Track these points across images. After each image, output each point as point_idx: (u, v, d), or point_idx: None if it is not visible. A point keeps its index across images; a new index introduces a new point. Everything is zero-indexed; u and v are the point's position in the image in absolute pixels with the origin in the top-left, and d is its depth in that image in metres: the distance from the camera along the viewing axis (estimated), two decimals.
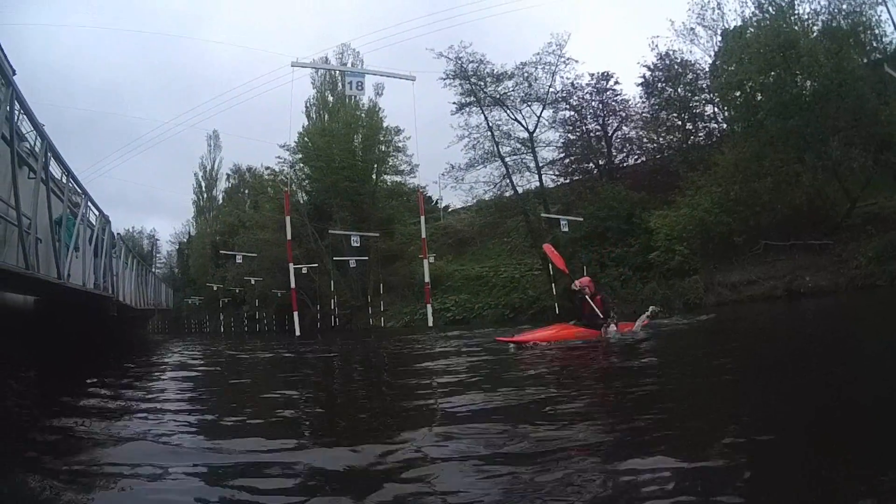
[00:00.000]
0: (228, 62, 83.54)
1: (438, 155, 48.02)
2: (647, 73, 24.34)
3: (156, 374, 7.13)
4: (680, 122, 24.06)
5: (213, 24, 79.32)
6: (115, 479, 2.44)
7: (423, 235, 19.13)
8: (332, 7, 78.20)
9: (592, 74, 25.33)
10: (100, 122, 79.38)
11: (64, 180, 7.98)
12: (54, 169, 7.36)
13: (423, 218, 19.24)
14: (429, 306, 19.08)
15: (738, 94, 19.62)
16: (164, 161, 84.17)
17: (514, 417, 3.44)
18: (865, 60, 17.84)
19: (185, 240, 56.35)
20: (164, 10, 78.45)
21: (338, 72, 33.10)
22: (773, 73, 17.74)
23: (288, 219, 17.12)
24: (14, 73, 4.69)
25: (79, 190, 8.69)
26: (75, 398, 4.41)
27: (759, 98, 18.58)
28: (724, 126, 22.94)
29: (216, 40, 71.03)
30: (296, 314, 17.19)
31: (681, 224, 18.93)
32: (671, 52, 23.66)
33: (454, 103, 25.66)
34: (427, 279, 18.68)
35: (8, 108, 4.84)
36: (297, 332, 17.16)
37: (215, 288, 40.02)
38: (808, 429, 2.61)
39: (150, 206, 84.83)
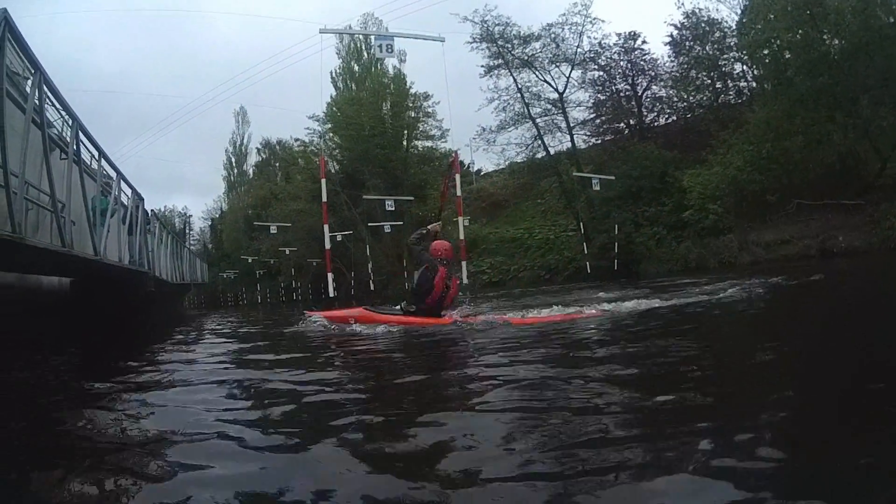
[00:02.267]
0: (240, 37, 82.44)
1: (468, 118, 48.05)
2: (675, 32, 24.43)
3: (191, 348, 6.84)
4: (709, 81, 24.19)
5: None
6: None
7: (458, 194, 18.96)
8: None
9: (619, 34, 25.44)
10: (112, 105, 79.43)
11: (94, 165, 7.94)
12: (84, 151, 7.41)
13: (458, 176, 19.01)
14: (464, 263, 18.66)
15: (765, 52, 19.66)
16: (184, 139, 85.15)
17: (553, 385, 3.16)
18: (893, 19, 17.66)
19: (217, 215, 57.03)
20: None
21: (364, 40, 33.21)
22: (800, 30, 17.76)
23: (323, 181, 17.17)
24: None
25: (111, 172, 8.82)
26: (111, 377, 4.15)
27: (787, 56, 18.62)
28: (754, 84, 23.04)
29: (222, 11, 70.30)
30: (330, 275, 17.18)
31: (714, 183, 19.30)
32: (698, 10, 23.67)
33: (482, 66, 25.83)
34: (462, 236, 18.32)
35: (38, 93, 4.97)
36: (332, 294, 17.38)
37: (250, 260, 40.37)
38: (843, 393, 2.51)
39: (173, 184, 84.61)
